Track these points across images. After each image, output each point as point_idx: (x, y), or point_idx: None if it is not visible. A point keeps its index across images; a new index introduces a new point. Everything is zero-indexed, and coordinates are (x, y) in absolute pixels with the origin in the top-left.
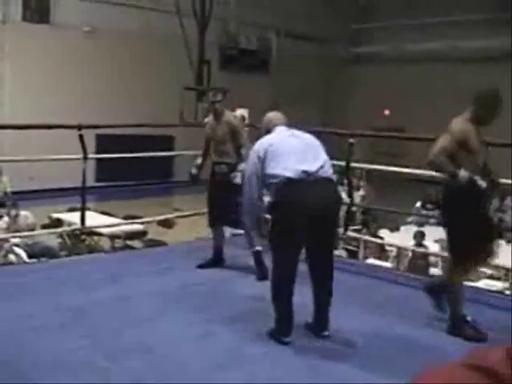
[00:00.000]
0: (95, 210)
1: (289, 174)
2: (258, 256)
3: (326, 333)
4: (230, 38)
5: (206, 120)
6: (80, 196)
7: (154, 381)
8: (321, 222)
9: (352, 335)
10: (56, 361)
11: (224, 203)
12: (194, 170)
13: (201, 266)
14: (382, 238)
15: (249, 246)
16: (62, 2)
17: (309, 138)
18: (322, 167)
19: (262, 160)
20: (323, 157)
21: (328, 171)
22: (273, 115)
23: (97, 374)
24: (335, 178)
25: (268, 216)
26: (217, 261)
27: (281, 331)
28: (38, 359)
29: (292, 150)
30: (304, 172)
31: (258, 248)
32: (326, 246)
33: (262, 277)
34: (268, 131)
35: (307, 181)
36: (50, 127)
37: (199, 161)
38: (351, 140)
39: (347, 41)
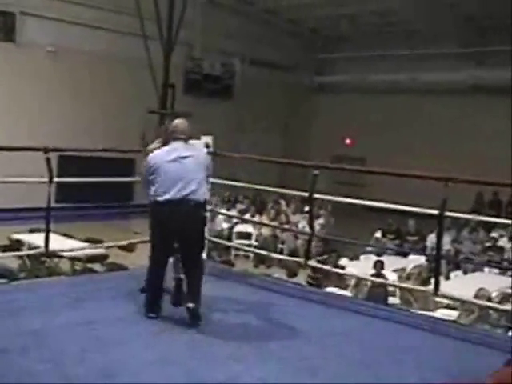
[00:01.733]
0: (55, 232)
1: (158, 198)
2: (178, 283)
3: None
4: (194, 63)
5: (152, 146)
6: (43, 218)
7: None
8: (182, 235)
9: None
10: None
11: None
12: None
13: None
14: (343, 267)
15: (174, 272)
16: (27, 21)
17: (192, 163)
18: (190, 193)
19: (148, 174)
20: (194, 184)
21: (196, 195)
22: (180, 124)
23: None
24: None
25: None
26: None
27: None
28: None
29: (168, 178)
30: (168, 200)
31: (181, 276)
32: (193, 253)
33: (174, 302)
34: (167, 139)
35: (172, 205)
36: (15, 149)
37: None
38: (316, 172)
39: (311, 70)
